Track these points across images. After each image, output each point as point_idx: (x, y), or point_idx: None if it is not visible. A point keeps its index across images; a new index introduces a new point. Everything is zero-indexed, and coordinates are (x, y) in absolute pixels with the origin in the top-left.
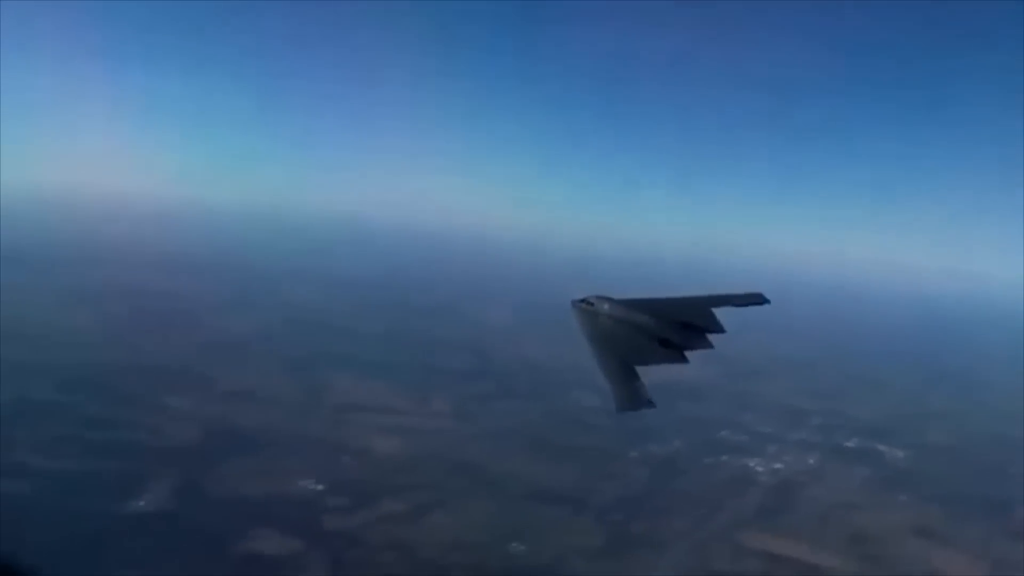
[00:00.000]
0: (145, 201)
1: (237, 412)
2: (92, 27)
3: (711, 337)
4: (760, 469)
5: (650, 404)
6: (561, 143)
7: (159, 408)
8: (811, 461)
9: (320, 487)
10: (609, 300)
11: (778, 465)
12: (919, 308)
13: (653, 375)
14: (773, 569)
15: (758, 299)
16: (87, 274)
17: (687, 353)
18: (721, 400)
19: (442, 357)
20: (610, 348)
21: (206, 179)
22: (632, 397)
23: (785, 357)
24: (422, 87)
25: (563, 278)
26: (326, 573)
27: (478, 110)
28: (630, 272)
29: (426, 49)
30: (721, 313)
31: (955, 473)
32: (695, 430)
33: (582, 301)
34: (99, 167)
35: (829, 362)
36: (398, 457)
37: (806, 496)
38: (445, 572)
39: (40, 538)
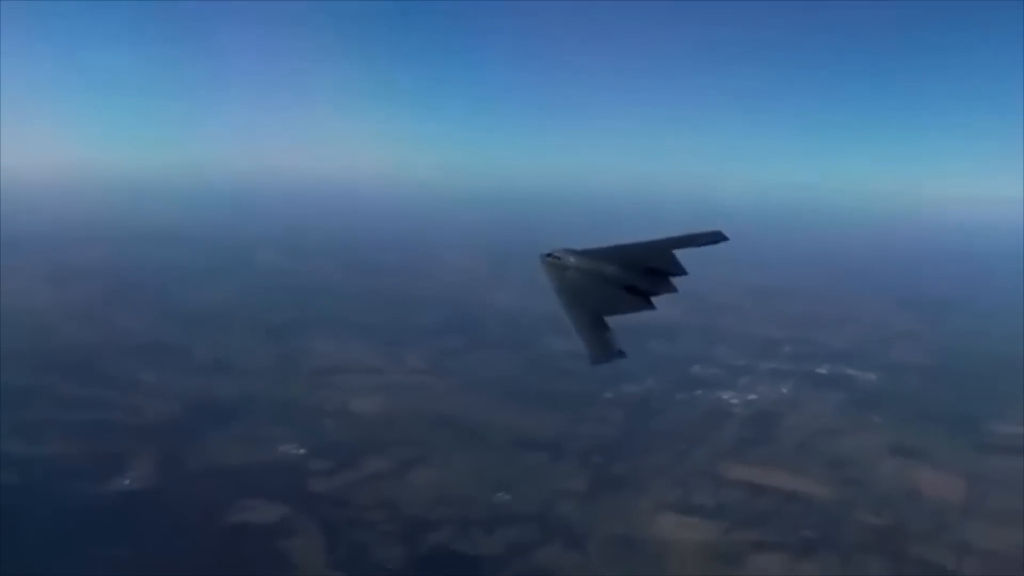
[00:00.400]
0: (100, 175)
1: (214, 383)
2: None
3: (675, 280)
4: (735, 401)
5: (621, 354)
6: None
7: (135, 385)
8: (784, 390)
9: (302, 451)
10: (574, 252)
11: (752, 396)
12: (893, 233)
13: (620, 317)
14: (755, 499)
15: (717, 237)
16: (50, 254)
17: (653, 299)
18: (690, 336)
19: (414, 313)
20: (579, 301)
21: (137, 149)
22: (605, 349)
23: (753, 288)
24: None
25: (526, 226)
26: (316, 537)
27: (423, 58)
28: (592, 215)
29: None
30: (683, 250)
31: (926, 392)
32: (667, 368)
33: (548, 255)
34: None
35: (798, 291)
36: (379, 415)
37: (782, 425)
38: (433, 527)
39: (30, 526)
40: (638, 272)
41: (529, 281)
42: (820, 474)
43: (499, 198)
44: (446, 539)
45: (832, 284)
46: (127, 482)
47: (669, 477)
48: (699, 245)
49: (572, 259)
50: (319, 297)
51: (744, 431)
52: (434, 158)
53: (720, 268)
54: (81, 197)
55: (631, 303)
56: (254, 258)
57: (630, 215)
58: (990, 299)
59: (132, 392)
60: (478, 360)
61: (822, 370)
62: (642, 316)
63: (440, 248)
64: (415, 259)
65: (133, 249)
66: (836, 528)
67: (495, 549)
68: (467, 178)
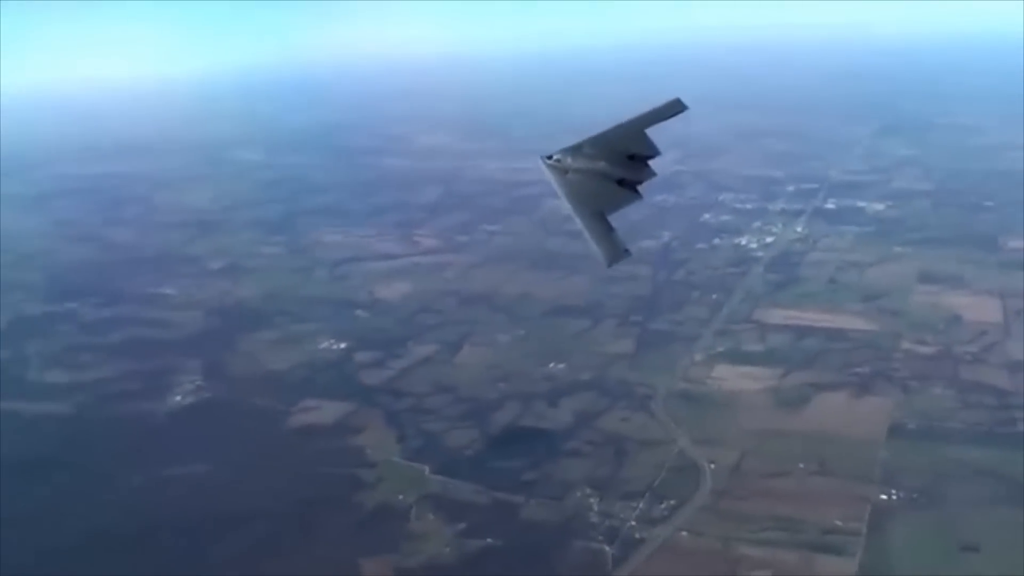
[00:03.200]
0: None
1: (234, 287)
2: None
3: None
4: (753, 245)
5: (627, 253)
6: None
7: (156, 299)
8: (799, 229)
9: (343, 345)
10: (568, 151)
11: (769, 239)
12: (872, 55)
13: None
14: (801, 341)
15: (678, 107)
16: (31, 173)
17: (639, 187)
18: (692, 184)
19: (409, 194)
20: (584, 203)
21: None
22: (615, 249)
23: (737, 129)
24: None
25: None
26: (384, 430)
27: None
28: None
29: None
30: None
31: (938, 216)
32: (678, 219)
33: (549, 158)
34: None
35: (781, 129)
36: (408, 300)
37: (806, 263)
38: (496, 406)
39: (99, 455)
40: (622, 162)
41: (510, 149)
42: (857, 308)
43: (454, 66)
44: (513, 417)
45: (812, 119)
46: (179, 398)
47: (711, 328)
48: (664, 119)
49: (570, 160)
50: (308, 189)
51: (771, 274)
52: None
53: (698, 112)
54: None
55: (624, 197)
56: (230, 158)
57: (597, 72)
58: (968, 115)
59: (156, 306)
60: (488, 232)
61: (830, 205)
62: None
63: (409, 126)
64: (389, 141)
65: (102, 163)
66: (887, 361)
67: (564, 420)
68: (422, 47)
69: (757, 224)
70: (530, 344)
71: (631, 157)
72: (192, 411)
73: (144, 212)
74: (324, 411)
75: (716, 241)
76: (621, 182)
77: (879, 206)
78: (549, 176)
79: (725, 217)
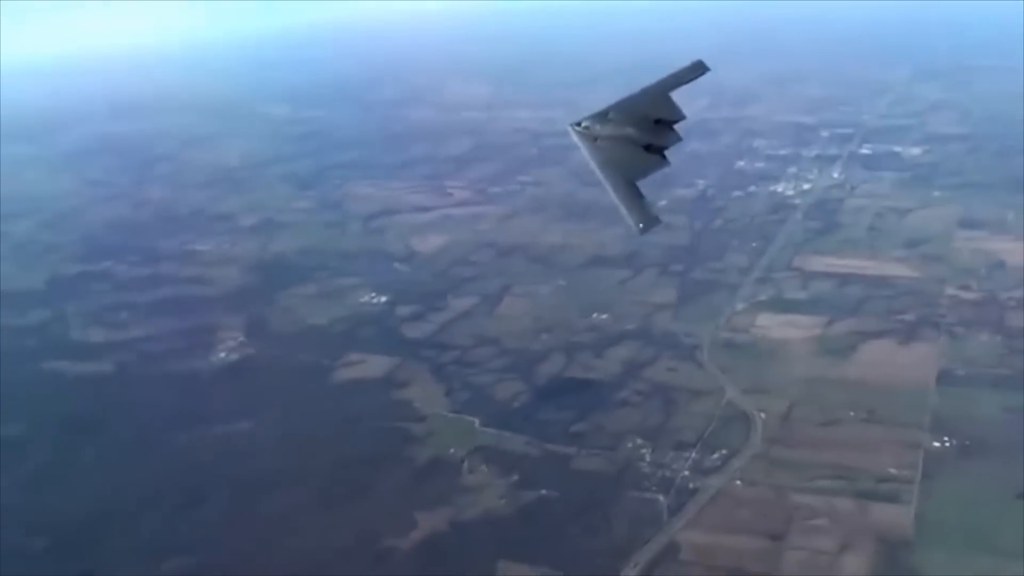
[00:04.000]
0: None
1: (269, 242)
2: None
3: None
4: (790, 192)
5: (658, 220)
6: None
7: (191, 256)
8: (836, 175)
9: (383, 299)
10: (595, 118)
11: (806, 185)
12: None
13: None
14: (844, 288)
15: (701, 69)
16: (68, 136)
17: (666, 153)
18: (723, 131)
19: (437, 146)
20: (614, 170)
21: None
22: (648, 216)
23: (765, 76)
24: None
25: (513, 42)
26: (431, 384)
27: None
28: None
29: None
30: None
31: (976, 161)
32: (711, 167)
33: (578, 124)
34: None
35: (810, 74)
36: (444, 252)
37: (845, 210)
38: (542, 358)
39: (145, 413)
40: (648, 128)
41: (540, 99)
42: (899, 255)
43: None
44: (559, 368)
45: (842, 63)
46: (223, 355)
47: (752, 276)
48: (687, 82)
49: (598, 127)
50: (337, 143)
51: (810, 221)
52: None
53: (725, 60)
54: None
55: (652, 163)
56: (255, 113)
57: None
58: (1001, 57)
59: (191, 263)
60: (520, 183)
61: (865, 150)
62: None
63: (435, 77)
64: (415, 91)
65: (128, 123)
66: (932, 307)
67: (611, 370)
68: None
69: (792, 171)
70: (571, 295)
71: (657, 122)
72: (236, 368)
73: (174, 170)
74: (369, 365)
75: (752, 188)
76: (648, 147)
77: (915, 151)
78: (579, 143)
79: (759, 164)
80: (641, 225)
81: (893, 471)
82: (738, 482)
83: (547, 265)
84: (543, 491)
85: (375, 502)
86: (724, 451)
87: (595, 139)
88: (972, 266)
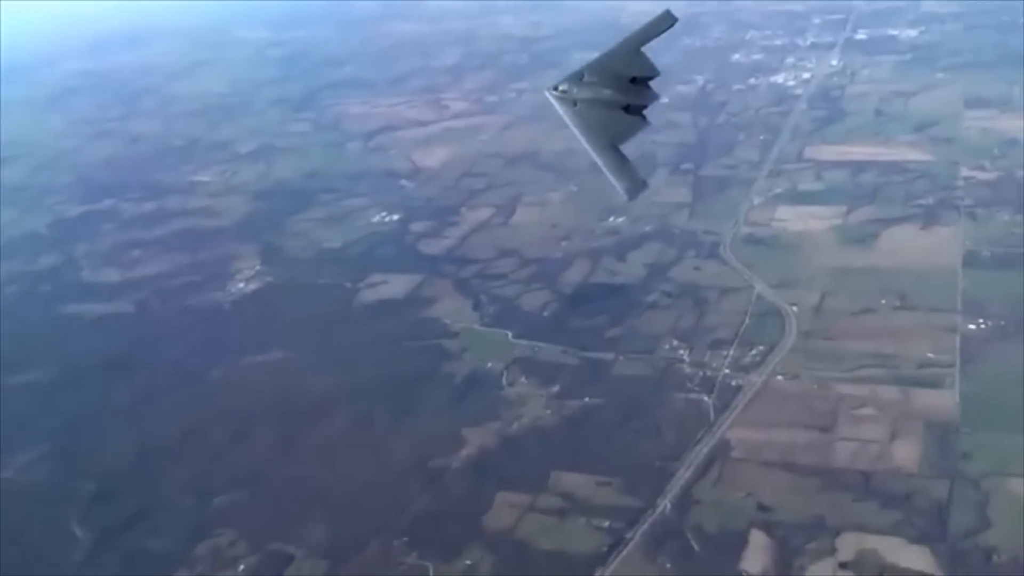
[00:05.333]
0: None
1: (271, 168)
2: None
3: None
4: (791, 83)
5: (645, 184)
6: None
7: (194, 187)
8: (834, 62)
9: (396, 217)
10: (572, 80)
11: (806, 75)
12: None
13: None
14: (859, 176)
15: (669, 20)
16: (46, 75)
17: (645, 113)
18: (714, 25)
19: (426, 57)
20: (597, 134)
21: None
22: (635, 180)
23: None
24: None
25: None
26: (457, 299)
27: None
28: None
29: None
30: None
31: (973, 39)
32: (707, 61)
33: (555, 89)
34: None
35: None
36: (450, 166)
37: (848, 96)
38: (565, 265)
39: (169, 351)
40: (625, 87)
41: (523, 4)
42: (909, 139)
43: None
44: (583, 274)
45: None
46: (241, 285)
47: (765, 170)
48: (657, 35)
49: (576, 90)
50: (324, 62)
51: (815, 111)
52: None
53: None
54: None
55: (633, 124)
56: (236, 38)
57: None
58: None
59: (195, 195)
60: (516, 90)
61: (861, 35)
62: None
63: None
64: (394, 4)
65: (105, 58)
66: (949, 190)
67: (636, 273)
68: None
69: (790, 60)
70: (584, 200)
71: (633, 80)
72: (257, 297)
73: (162, 102)
74: (392, 285)
75: (752, 81)
76: (627, 108)
77: (912, 32)
78: (557, 107)
79: (756, 56)
80: (628, 191)
81: (932, 356)
82: (779, 377)
83: (556, 171)
84: (586, 399)
85: (419, 422)
86: (761, 347)
87: (574, 103)
88: (984, 146)
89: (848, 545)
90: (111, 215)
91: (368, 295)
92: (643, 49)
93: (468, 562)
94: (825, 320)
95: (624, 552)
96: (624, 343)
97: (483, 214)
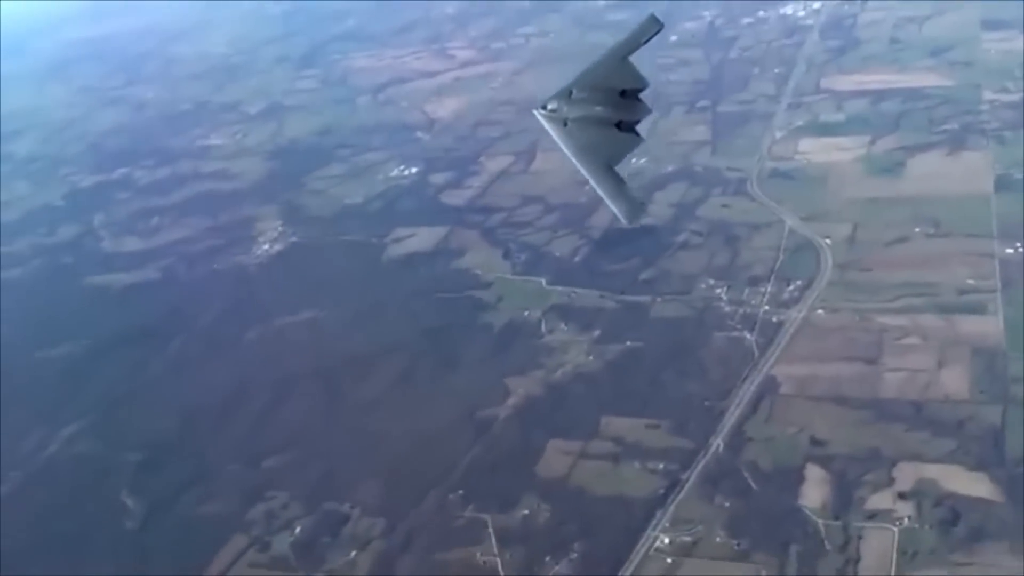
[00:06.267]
0: None
1: (282, 126)
2: None
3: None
4: (801, 13)
5: (643, 206)
6: None
7: (207, 151)
8: None
9: (414, 170)
10: (562, 98)
11: (815, 4)
12: None
13: None
14: (879, 104)
15: (655, 26)
16: (44, 44)
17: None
18: None
19: (428, 6)
20: (591, 155)
21: None
22: (633, 204)
23: None
24: None
25: None
26: (487, 249)
27: None
28: None
29: None
30: None
31: None
32: None
33: (544, 108)
34: None
35: None
36: (464, 116)
37: (861, 25)
38: (590, 210)
39: (201, 316)
40: (616, 102)
41: None
42: (927, 64)
43: None
44: (610, 218)
45: None
46: (266, 246)
47: (783, 103)
48: (644, 43)
49: (565, 107)
50: (323, 16)
51: (828, 41)
52: None
53: None
54: None
55: (626, 142)
56: None
57: None
58: None
59: (208, 159)
60: (522, 35)
61: None
62: None
63: None
64: None
65: (101, 25)
66: (973, 114)
67: (664, 214)
68: None
69: None
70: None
71: (623, 94)
72: (284, 257)
73: (164, 66)
74: (419, 238)
75: (761, 14)
76: (620, 125)
77: None
78: (548, 128)
79: None
80: (628, 215)
81: (972, 282)
82: (820, 311)
83: None
84: (627, 343)
85: (462, 374)
86: (798, 281)
87: (564, 123)
88: (1005, 67)
89: (905, 475)
90: (126, 183)
91: (395, 249)
92: (631, 58)
93: (526, 512)
94: (860, 251)
95: (682, 494)
96: (659, 285)
97: (503, 162)
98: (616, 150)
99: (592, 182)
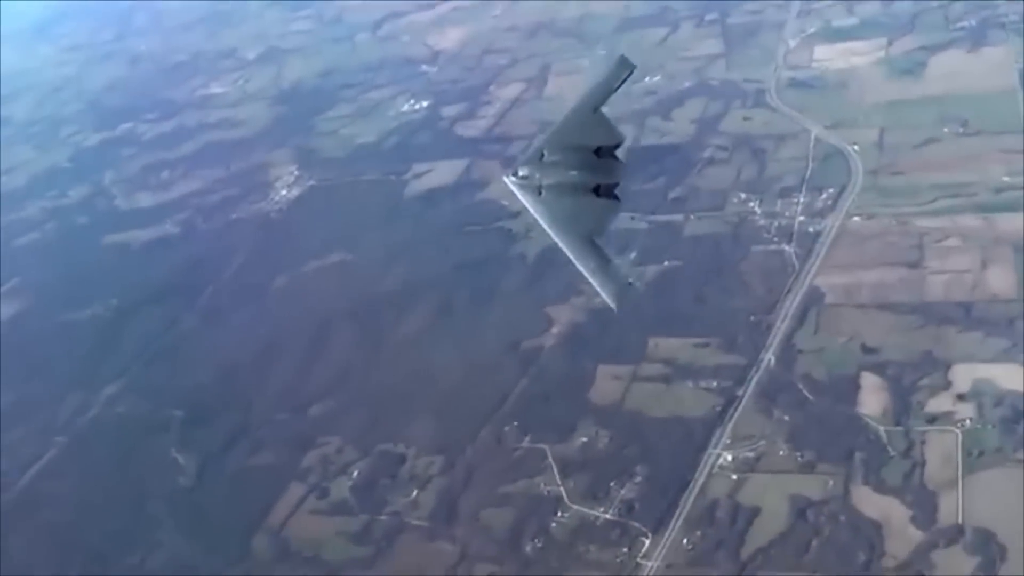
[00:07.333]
0: None
1: (284, 70)
2: None
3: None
4: None
5: (631, 285)
6: None
7: (210, 100)
8: None
9: (425, 104)
10: (533, 163)
11: None
12: None
13: None
14: (892, 5)
15: (627, 68)
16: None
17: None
18: None
19: None
20: (569, 228)
21: None
22: (620, 285)
23: None
24: None
25: None
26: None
27: None
28: None
29: None
30: None
31: None
32: None
33: (514, 175)
34: None
35: None
36: (469, 46)
37: None
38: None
39: (225, 267)
40: (591, 163)
41: None
42: None
43: None
44: (632, 138)
45: None
46: (284, 192)
47: (793, 10)
48: (616, 89)
49: (538, 174)
50: None
51: None
52: None
53: None
54: None
55: (606, 210)
56: None
57: None
58: None
59: (212, 108)
60: None
61: None
62: None
63: None
64: None
65: None
66: (991, 9)
67: (686, 131)
68: None
69: None
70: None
71: (598, 151)
72: (302, 202)
73: (154, 17)
74: (439, 172)
75: None
76: (597, 190)
77: None
78: (521, 197)
79: None
80: (615, 297)
81: (1007, 179)
82: (856, 218)
83: (578, 38)
84: (666, 262)
85: (501, 306)
86: (831, 190)
87: (539, 191)
88: None
89: (962, 377)
90: (130, 139)
91: (416, 185)
92: (603, 108)
93: (584, 439)
94: (890, 155)
95: (739, 410)
96: (690, 202)
97: (514, 90)
98: (596, 221)
99: (574, 260)
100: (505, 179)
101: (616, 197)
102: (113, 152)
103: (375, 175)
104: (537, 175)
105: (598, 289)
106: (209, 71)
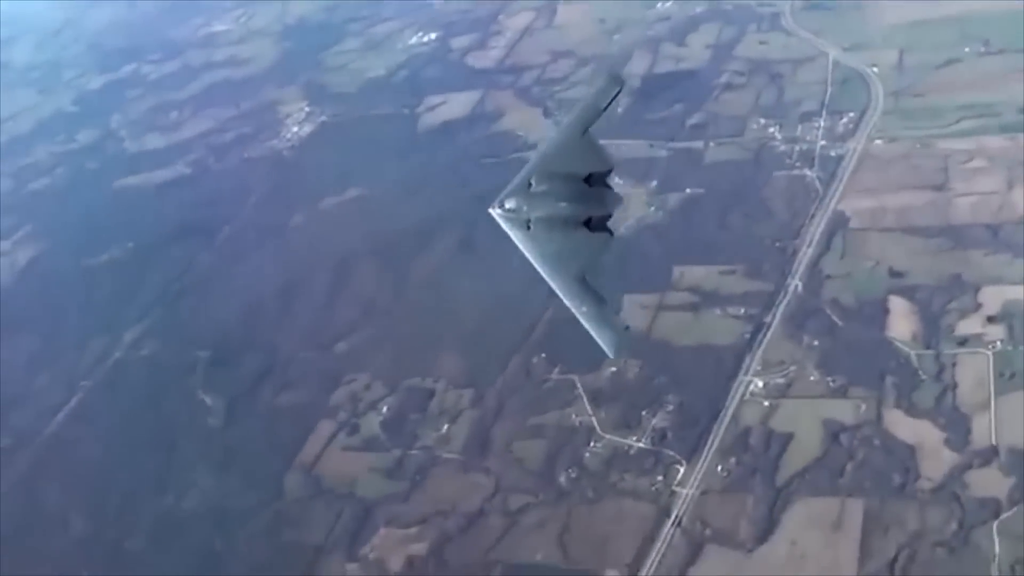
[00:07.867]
0: None
1: (287, 5)
2: None
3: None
4: None
5: (627, 329)
6: None
7: (214, 39)
8: None
9: (433, 35)
10: (520, 194)
11: None
12: None
13: None
14: None
15: (616, 85)
16: None
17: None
18: None
19: None
20: (562, 267)
21: None
22: (617, 332)
23: None
24: None
25: None
26: (525, 108)
27: None
28: None
29: None
30: None
31: None
32: None
33: (501, 207)
34: None
35: None
36: None
37: None
38: (625, 58)
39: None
40: (581, 193)
41: None
42: None
43: None
44: (646, 66)
45: None
46: (295, 128)
47: None
48: (606, 108)
49: (525, 206)
50: None
51: None
52: None
53: None
54: None
55: (599, 244)
56: None
57: None
58: None
59: (217, 46)
60: None
61: None
62: None
63: None
64: None
65: None
66: None
67: (701, 56)
68: None
69: None
70: None
71: (588, 179)
72: (315, 138)
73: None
74: (452, 105)
75: None
76: (589, 222)
77: None
78: (508, 231)
79: None
80: (611, 345)
81: None
82: (878, 141)
83: None
84: (687, 190)
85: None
86: (851, 113)
87: (527, 224)
88: None
89: (991, 299)
90: (135, 81)
91: (430, 118)
92: (591, 131)
93: (613, 369)
94: (911, 77)
95: (768, 337)
96: (709, 129)
97: (524, 19)
98: (589, 258)
99: (567, 303)
100: (491, 211)
101: (609, 230)
102: (118, 94)
103: (387, 109)
104: (525, 207)
105: (593, 335)
106: (210, 9)
